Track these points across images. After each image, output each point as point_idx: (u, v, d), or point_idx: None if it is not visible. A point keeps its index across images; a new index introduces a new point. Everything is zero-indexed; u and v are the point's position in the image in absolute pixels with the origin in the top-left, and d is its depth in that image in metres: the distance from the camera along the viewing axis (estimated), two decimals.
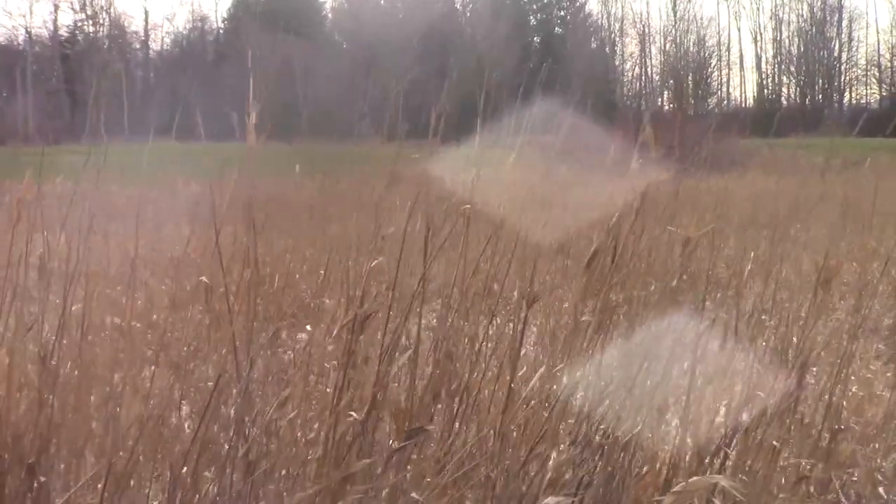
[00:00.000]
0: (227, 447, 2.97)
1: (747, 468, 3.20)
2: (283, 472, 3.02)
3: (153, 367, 3.12)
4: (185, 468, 2.87)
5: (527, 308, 3.03)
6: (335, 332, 2.90)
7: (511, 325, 3.44)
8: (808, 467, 3.35)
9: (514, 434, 3.04)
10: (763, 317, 4.13)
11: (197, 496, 2.92)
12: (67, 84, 62.93)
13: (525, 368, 3.50)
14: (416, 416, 2.96)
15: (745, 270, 4.13)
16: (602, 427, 3.14)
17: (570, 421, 3.22)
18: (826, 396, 3.60)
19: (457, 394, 3.15)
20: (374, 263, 2.72)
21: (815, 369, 3.98)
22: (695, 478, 1.95)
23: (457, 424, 3.11)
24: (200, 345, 3.60)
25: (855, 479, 3.70)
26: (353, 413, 2.76)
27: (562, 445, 3.06)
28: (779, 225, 5.89)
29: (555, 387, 3.09)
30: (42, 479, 2.67)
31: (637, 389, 3.14)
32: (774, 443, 3.21)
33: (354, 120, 54.97)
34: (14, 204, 2.80)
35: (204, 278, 3.07)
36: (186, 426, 3.47)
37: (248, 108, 2.87)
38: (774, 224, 5.94)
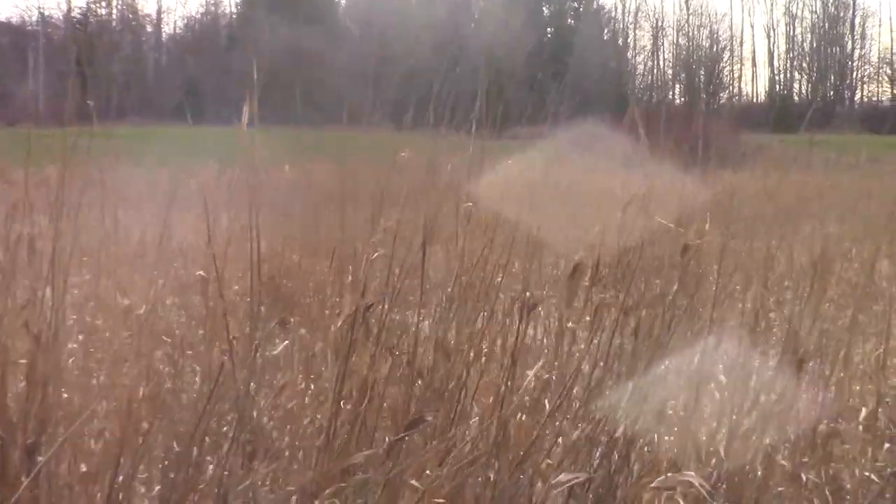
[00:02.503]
0: (230, 431, 2.97)
1: (746, 468, 3.20)
2: (285, 456, 3.02)
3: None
4: (188, 450, 2.87)
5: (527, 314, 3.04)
6: (339, 324, 2.90)
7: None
8: (804, 467, 3.36)
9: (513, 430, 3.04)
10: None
11: (199, 478, 2.92)
12: (79, 66, 62.91)
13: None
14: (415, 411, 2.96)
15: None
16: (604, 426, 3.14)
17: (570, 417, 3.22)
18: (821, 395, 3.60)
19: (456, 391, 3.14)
20: (374, 256, 2.71)
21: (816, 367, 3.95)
22: (669, 474, 2.05)
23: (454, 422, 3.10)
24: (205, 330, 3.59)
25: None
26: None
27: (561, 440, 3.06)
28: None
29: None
30: (41, 459, 2.66)
31: (639, 392, 3.14)
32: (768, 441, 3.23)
33: (365, 107, 54.89)
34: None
35: (201, 272, 3.06)
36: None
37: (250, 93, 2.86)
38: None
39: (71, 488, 2.76)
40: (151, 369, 3.12)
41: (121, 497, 2.78)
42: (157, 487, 3.07)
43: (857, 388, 4.24)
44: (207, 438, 2.99)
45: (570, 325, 3.31)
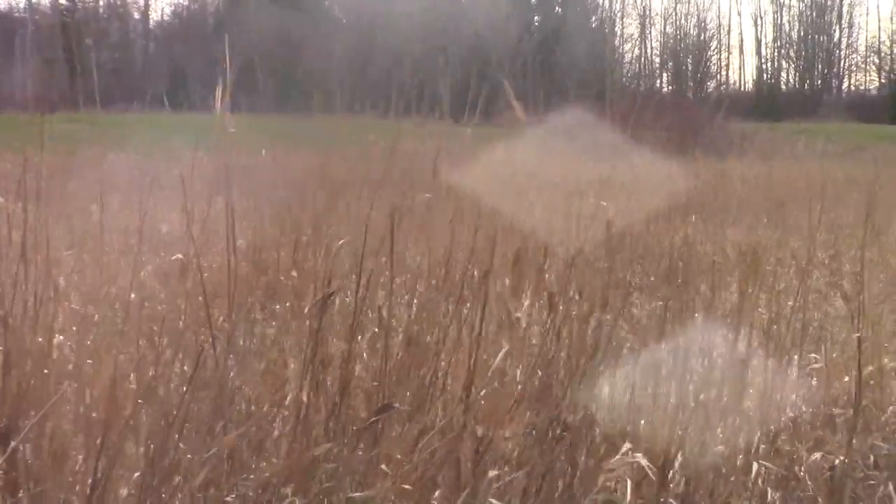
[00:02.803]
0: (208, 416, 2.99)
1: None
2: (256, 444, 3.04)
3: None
4: (167, 437, 2.88)
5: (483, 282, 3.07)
6: (307, 310, 2.92)
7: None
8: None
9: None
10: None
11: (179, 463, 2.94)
12: (66, 52, 62.62)
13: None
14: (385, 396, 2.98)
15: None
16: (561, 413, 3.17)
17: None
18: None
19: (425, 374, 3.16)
20: (341, 242, 2.74)
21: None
22: (618, 456, 2.11)
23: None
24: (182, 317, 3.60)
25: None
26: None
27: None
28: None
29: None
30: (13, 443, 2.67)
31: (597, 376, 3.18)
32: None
33: (354, 94, 54.74)
34: None
35: (180, 255, 3.08)
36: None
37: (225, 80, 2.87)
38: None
39: (47, 472, 2.77)
40: (136, 355, 3.13)
41: (101, 482, 2.80)
42: (136, 475, 3.08)
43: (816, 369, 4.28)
44: (188, 424, 3.01)
45: (517, 314, 3.32)
